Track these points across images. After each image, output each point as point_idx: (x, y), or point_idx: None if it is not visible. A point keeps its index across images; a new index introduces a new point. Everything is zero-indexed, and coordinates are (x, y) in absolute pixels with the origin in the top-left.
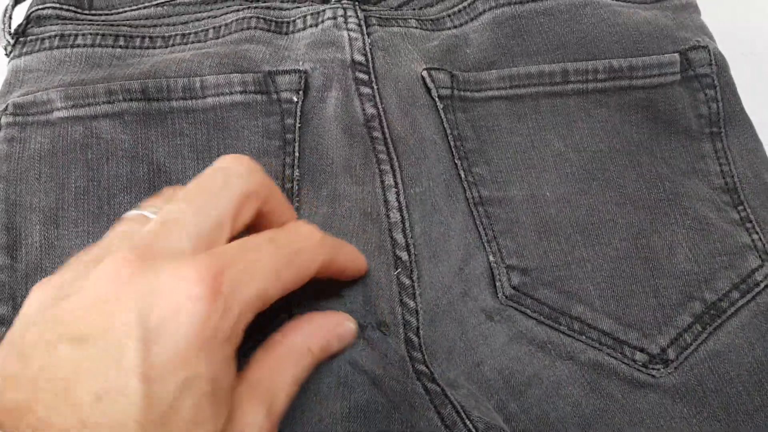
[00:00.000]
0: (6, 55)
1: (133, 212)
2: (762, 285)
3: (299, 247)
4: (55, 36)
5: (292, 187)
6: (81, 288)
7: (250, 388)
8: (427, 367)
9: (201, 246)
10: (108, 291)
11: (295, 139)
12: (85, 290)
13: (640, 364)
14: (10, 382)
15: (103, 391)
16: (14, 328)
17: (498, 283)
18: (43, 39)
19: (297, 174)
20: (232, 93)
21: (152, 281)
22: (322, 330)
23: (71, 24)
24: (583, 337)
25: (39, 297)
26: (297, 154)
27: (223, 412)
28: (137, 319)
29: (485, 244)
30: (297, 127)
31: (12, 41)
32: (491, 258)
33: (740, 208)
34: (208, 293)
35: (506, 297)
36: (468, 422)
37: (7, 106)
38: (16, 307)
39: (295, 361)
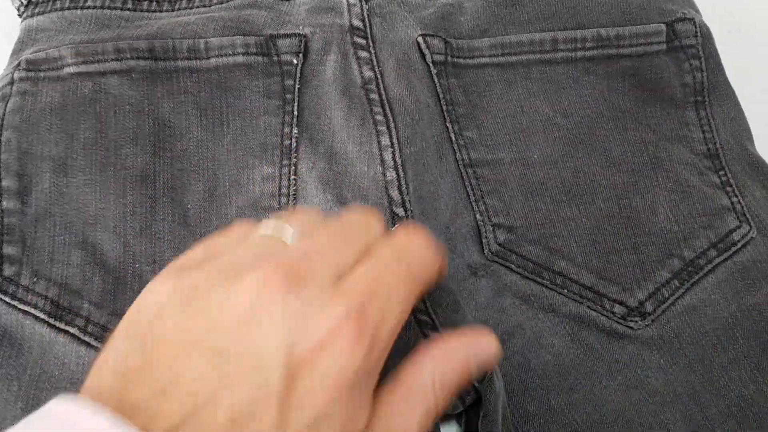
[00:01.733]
0: (19, 15)
1: (266, 229)
2: (739, 245)
3: (423, 264)
4: None
5: (291, 143)
6: (223, 298)
7: (380, 423)
8: (428, 316)
9: (343, 276)
10: (255, 309)
11: (294, 99)
12: (228, 302)
13: (619, 316)
14: (134, 379)
15: (238, 412)
16: (134, 315)
17: (484, 240)
18: (54, 0)
19: (296, 132)
20: (234, 54)
21: (301, 309)
22: (457, 356)
23: None
24: (565, 290)
25: (167, 289)
26: (296, 113)
27: None
28: (285, 347)
29: (473, 203)
30: (296, 88)
31: (25, 2)
32: (478, 217)
33: (721, 173)
34: (356, 334)
35: (492, 253)
36: None
37: (20, 62)
38: (25, 249)
39: (428, 395)
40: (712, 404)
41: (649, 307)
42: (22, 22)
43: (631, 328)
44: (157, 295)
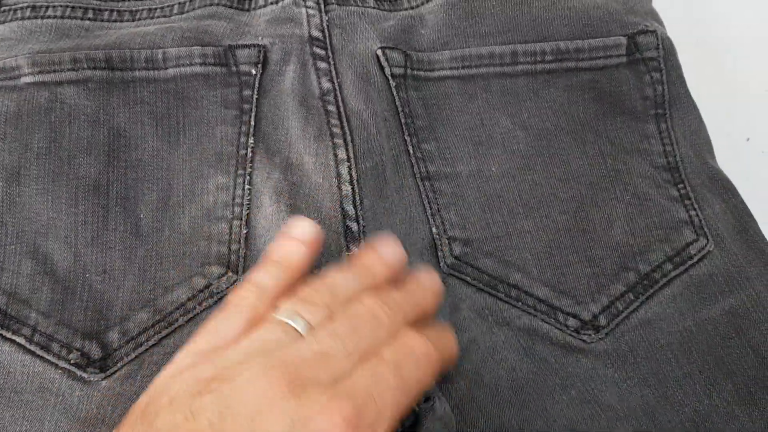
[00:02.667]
0: None
1: (282, 315)
2: (695, 258)
3: (419, 375)
4: (27, 7)
5: (246, 153)
6: (230, 395)
7: None
8: None
9: (342, 380)
10: (259, 410)
11: (251, 109)
12: (234, 401)
13: (573, 329)
14: None
15: None
16: (146, 405)
17: (440, 253)
18: (15, 10)
19: (252, 141)
20: (192, 64)
21: (301, 411)
22: None
23: None
24: (519, 303)
25: (174, 381)
26: (253, 123)
27: None
28: None
29: (429, 217)
30: (254, 98)
31: None
32: (434, 230)
33: (680, 186)
34: None
35: (448, 266)
36: None
37: None
38: None
39: None
40: (666, 419)
41: (602, 320)
42: None
43: (585, 341)
44: (168, 386)
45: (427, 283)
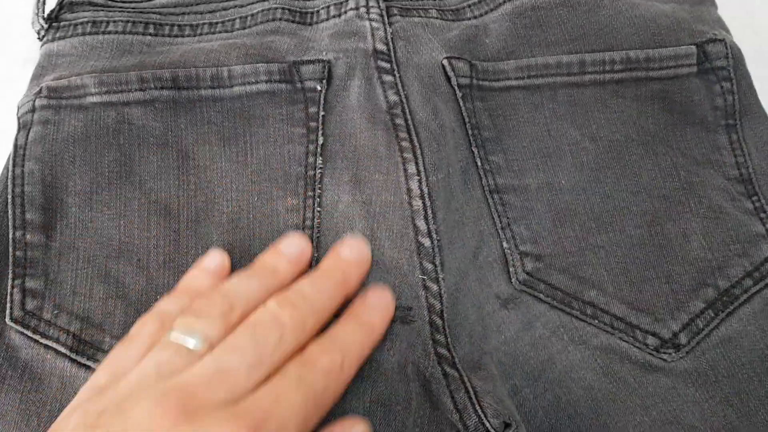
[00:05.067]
0: (39, 39)
1: (174, 334)
2: None
3: (325, 384)
4: (88, 22)
5: (315, 174)
6: (119, 426)
7: None
8: (448, 350)
9: (242, 397)
10: None
11: (318, 127)
12: (123, 431)
13: (652, 348)
14: None
15: None
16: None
17: (512, 269)
18: (75, 25)
19: (320, 161)
20: (257, 82)
21: None
22: None
23: (103, 11)
24: (596, 321)
25: (75, 420)
26: (320, 141)
27: None
28: None
29: (499, 231)
30: (320, 115)
31: (45, 26)
32: (505, 245)
33: (754, 198)
34: None
35: (520, 282)
36: (478, 407)
37: (41, 89)
38: (47, 283)
39: None
40: None
41: (683, 338)
42: (42, 46)
43: (665, 360)
44: (67, 422)
45: (346, 252)
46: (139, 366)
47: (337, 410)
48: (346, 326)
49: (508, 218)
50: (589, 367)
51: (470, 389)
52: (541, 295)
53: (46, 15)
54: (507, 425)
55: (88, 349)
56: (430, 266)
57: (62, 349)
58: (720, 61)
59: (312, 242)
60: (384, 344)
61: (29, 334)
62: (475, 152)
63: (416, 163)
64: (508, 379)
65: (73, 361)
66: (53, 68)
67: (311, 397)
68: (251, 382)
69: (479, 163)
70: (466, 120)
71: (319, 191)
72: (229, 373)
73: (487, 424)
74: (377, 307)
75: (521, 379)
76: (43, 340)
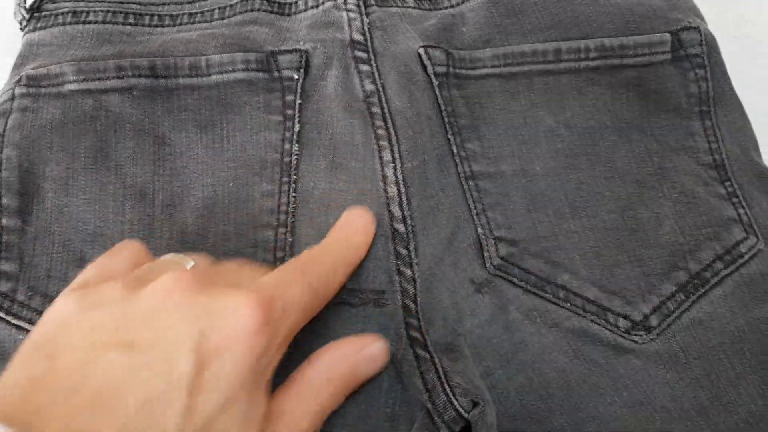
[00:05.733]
0: (21, 29)
1: (169, 256)
2: (746, 257)
3: (326, 280)
4: (68, 12)
5: (290, 160)
6: (132, 300)
7: (273, 419)
8: (421, 334)
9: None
10: (165, 304)
11: (295, 115)
12: (138, 303)
13: (623, 330)
14: (38, 387)
15: (148, 398)
16: (39, 330)
17: (486, 254)
18: (56, 15)
19: (296, 148)
20: (235, 71)
21: (212, 303)
22: (345, 358)
23: (83, 1)
24: (568, 304)
25: (71, 303)
26: (297, 128)
27: None
28: (195, 337)
29: (474, 216)
30: (297, 104)
31: (27, 16)
32: (480, 230)
33: (727, 183)
34: (263, 320)
35: (494, 267)
36: (446, 386)
37: (21, 78)
38: (22, 266)
39: (317, 393)
40: (721, 420)
41: (654, 320)
42: (24, 35)
43: (636, 342)
44: (61, 310)
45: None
46: (141, 269)
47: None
48: (336, 242)
49: (483, 204)
50: (561, 349)
51: (440, 369)
52: (515, 280)
53: (28, 5)
54: (475, 404)
55: None
56: (404, 251)
57: None
58: (694, 49)
59: (287, 227)
60: (356, 326)
61: (2, 315)
62: (451, 139)
63: (392, 151)
64: (481, 361)
65: None
66: (34, 58)
67: (314, 289)
68: (249, 274)
69: (455, 150)
70: (443, 108)
71: (295, 177)
72: (233, 270)
73: (455, 403)
74: (360, 227)
75: (494, 361)
76: (15, 321)
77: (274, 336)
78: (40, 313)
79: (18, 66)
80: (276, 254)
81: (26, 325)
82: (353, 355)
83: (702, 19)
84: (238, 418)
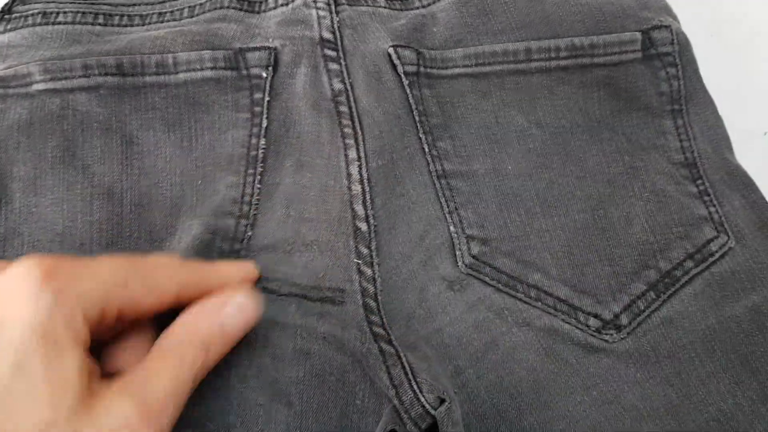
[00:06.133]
0: None
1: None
2: (717, 255)
3: (155, 264)
4: (38, 13)
5: (257, 154)
6: None
7: (122, 385)
8: (384, 329)
9: None
10: None
11: (263, 112)
12: None
13: (594, 329)
14: None
15: None
16: None
17: (458, 252)
18: (26, 16)
19: (263, 143)
20: (203, 69)
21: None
22: (209, 314)
23: (54, 2)
24: (539, 303)
25: None
26: (264, 125)
27: (65, 399)
28: None
29: (446, 215)
30: (266, 101)
31: None
32: (452, 228)
33: (699, 182)
34: (43, 279)
35: (466, 265)
36: (413, 383)
37: None
38: None
39: (181, 352)
40: (690, 419)
41: (624, 319)
42: None
43: (606, 341)
44: None
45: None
46: None
47: (269, 378)
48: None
49: (455, 203)
50: (531, 348)
51: (406, 365)
52: (487, 278)
53: None
54: (441, 401)
55: None
56: (365, 251)
57: None
58: (665, 47)
59: (248, 218)
60: (315, 319)
61: None
62: (423, 138)
63: (357, 149)
64: (452, 360)
65: None
66: (3, 59)
67: (135, 268)
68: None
69: (426, 149)
70: (413, 107)
71: (260, 170)
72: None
73: (422, 399)
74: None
75: (464, 360)
76: None
77: (62, 292)
78: None
79: None
80: (233, 245)
81: None
82: (217, 311)
83: (674, 17)
84: (37, 379)
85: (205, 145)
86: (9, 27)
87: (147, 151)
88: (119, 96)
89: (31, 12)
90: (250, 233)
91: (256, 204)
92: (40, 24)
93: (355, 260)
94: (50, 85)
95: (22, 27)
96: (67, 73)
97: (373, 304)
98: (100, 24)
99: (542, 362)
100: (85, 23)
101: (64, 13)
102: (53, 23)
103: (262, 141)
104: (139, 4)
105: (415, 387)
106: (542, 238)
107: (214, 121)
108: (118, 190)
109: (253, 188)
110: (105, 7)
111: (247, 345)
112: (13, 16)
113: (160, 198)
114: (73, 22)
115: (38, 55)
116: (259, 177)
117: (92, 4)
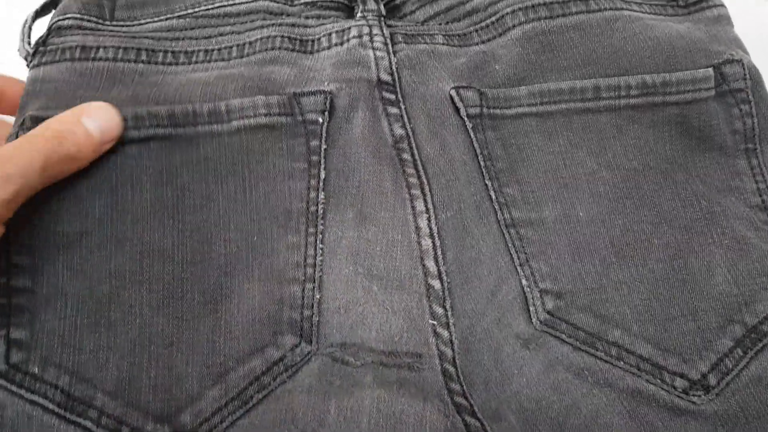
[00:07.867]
0: (27, 66)
1: None
2: None
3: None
4: (77, 47)
5: (317, 210)
6: None
7: None
8: (466, 399)
9: None
10: None
11: (320, 161)
12: None
13: (680, 390)
14: None
15: None
16: None
17: (532, 308)
18: (63, 49)
19: (322, 197)
20: (256, 115)
21: None
22: (50, 125)
23: (92, 35)
24: (621, 362)
25: None
26: (322, 176)
27: None
28: None
29: (518, 267)
30: (322, 149)
31: (32, 50)
32: (524, 282)
33: None
34: None
35: (540, 322)
36: None
37: (24, 120)
38: (33, 333)
39: (24, 139)
40: None
41: (712, 379)
42: (30, 71)
43: (694, 402)
44: None
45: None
46: None
47: None
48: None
49: (526, 254)
50: (615, 411)
51: None
52: (564, 336)
53: (32, 41)
54: None
55: (78, 406)
56: (440, 311)
57: (51, 406)
58: (738, 83)
59: (314, 282)
60: (392, 387)
61: (15, 389)
62: (489, 185)
63: (425, 200)
64: (533, 426)
65: (62, 418)
66: (37, 95)
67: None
68: None
69: (494, 196)
70: (478, 151)
71: (321, 227)
72: None
73: None
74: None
75: (546, 426)
76: (29, 396)
77: None
78: (55, 387)
79: (23, 107)
80: (303, 313)
81: (41, 400)
82: (61, 123)
83: (745, 51)
84: None
85: (260, 196)
86: (44, 60)
87: (199, 205)
88: (170, 148)
89: (69, 45)
90: (318, 296)
91: (320, 265)
92: (79, 59)
93: (431, 321)
94: None
95: (59, 60)
96: None
97: (451, 369)
98: (143, 61)
99: (627, 426)
100: (128, 60)
101: (105, 48)
102: (93, 59)
103: (321, 195)
104: (183, 39)
105: None
106: (620, 290)
107: (268, 170)
108: (170, 247)
109: (315, 249)
110: (147, 41)
111: (322, 421)
112: (49, 48)
113: (213, 255)
114: (114, 59)
115: (78, 94)
116: (320, 236)
117: (133, 38)
